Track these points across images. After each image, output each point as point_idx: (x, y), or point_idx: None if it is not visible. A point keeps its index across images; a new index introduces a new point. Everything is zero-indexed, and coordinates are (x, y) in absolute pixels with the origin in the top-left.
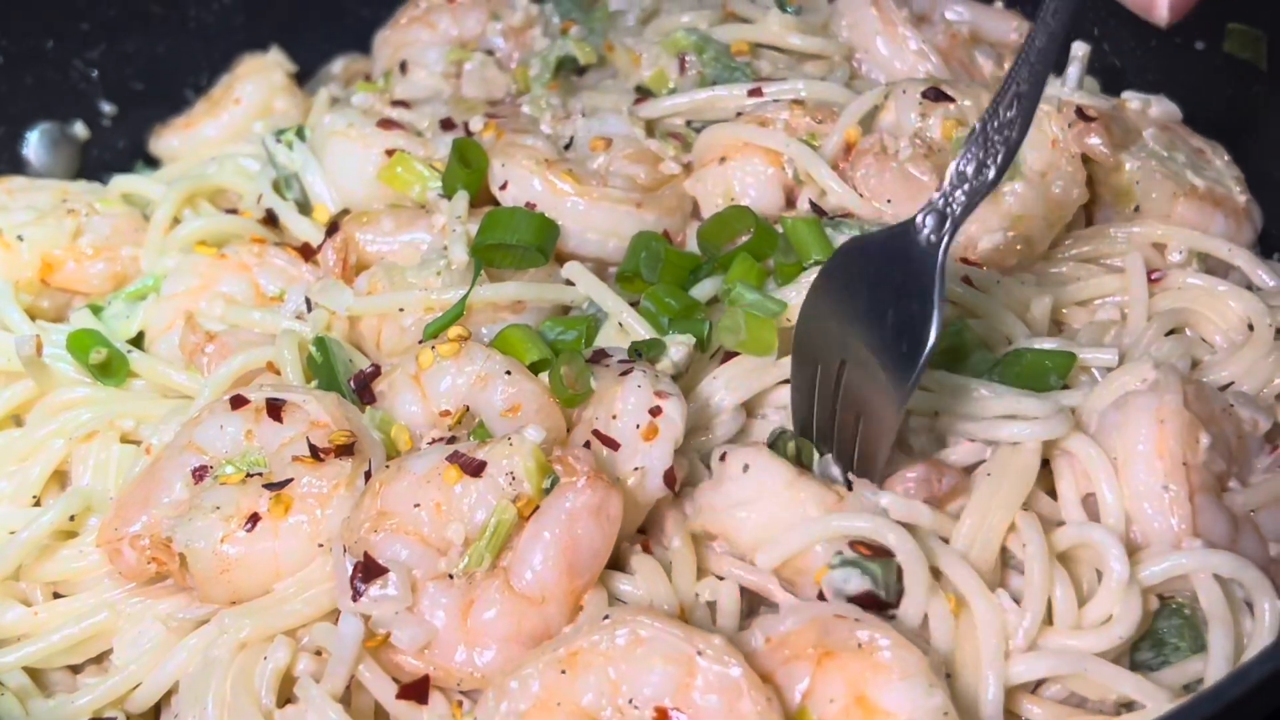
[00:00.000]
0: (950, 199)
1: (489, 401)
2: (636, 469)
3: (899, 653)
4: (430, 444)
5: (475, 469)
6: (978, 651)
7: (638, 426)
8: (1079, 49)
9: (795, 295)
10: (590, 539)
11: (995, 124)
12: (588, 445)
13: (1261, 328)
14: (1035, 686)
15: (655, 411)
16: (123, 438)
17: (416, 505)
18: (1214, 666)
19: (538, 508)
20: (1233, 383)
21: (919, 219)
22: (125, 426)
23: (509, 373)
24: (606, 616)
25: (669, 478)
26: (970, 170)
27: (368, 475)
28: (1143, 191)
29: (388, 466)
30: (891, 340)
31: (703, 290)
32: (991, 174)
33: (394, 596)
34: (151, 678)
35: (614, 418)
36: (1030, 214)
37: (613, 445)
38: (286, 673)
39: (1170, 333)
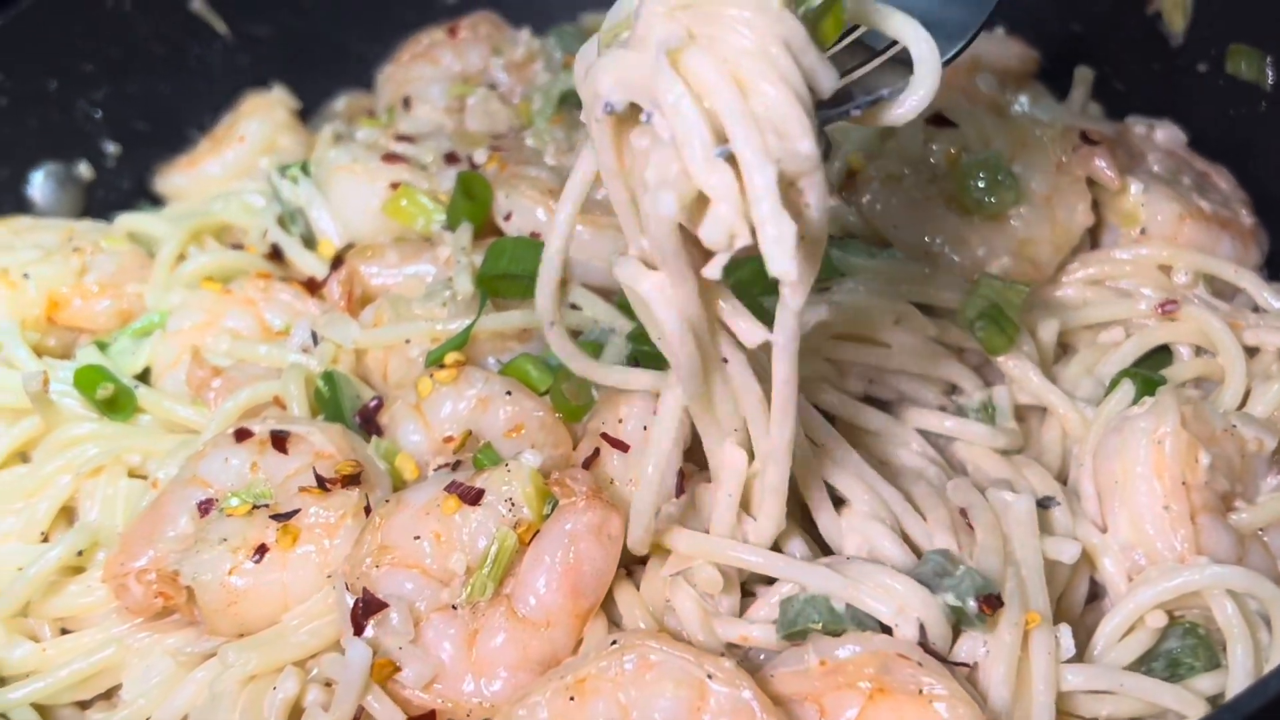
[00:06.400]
0: None
1: (491, 424)
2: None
3: (956, 707)
4: (436, 470)
5: (474, 497)
6: (1029, 669)
7: (645, 428)
8: (1083, 74)
9: None
10: (592, 559)
11: None
12: (597, 453)
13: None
14: None
15: None
16: (130, 472)
17: (417, 537)
18: (1235, 682)
19: (538, 532)
20: (1242, 405)
21: None
22: (132, 461)
23: (509, 393)
24: (614, 641)
25: (680, 478)
26: None
27: (368, 510)
28: (1148, 214)
29: (387, 501)
30: None
31: None
32: None
33: (396, 631)
34: (160, 712)
35: (620, 421)
36: (1036, 238)
37: (622, 447)
38: (295, 703)
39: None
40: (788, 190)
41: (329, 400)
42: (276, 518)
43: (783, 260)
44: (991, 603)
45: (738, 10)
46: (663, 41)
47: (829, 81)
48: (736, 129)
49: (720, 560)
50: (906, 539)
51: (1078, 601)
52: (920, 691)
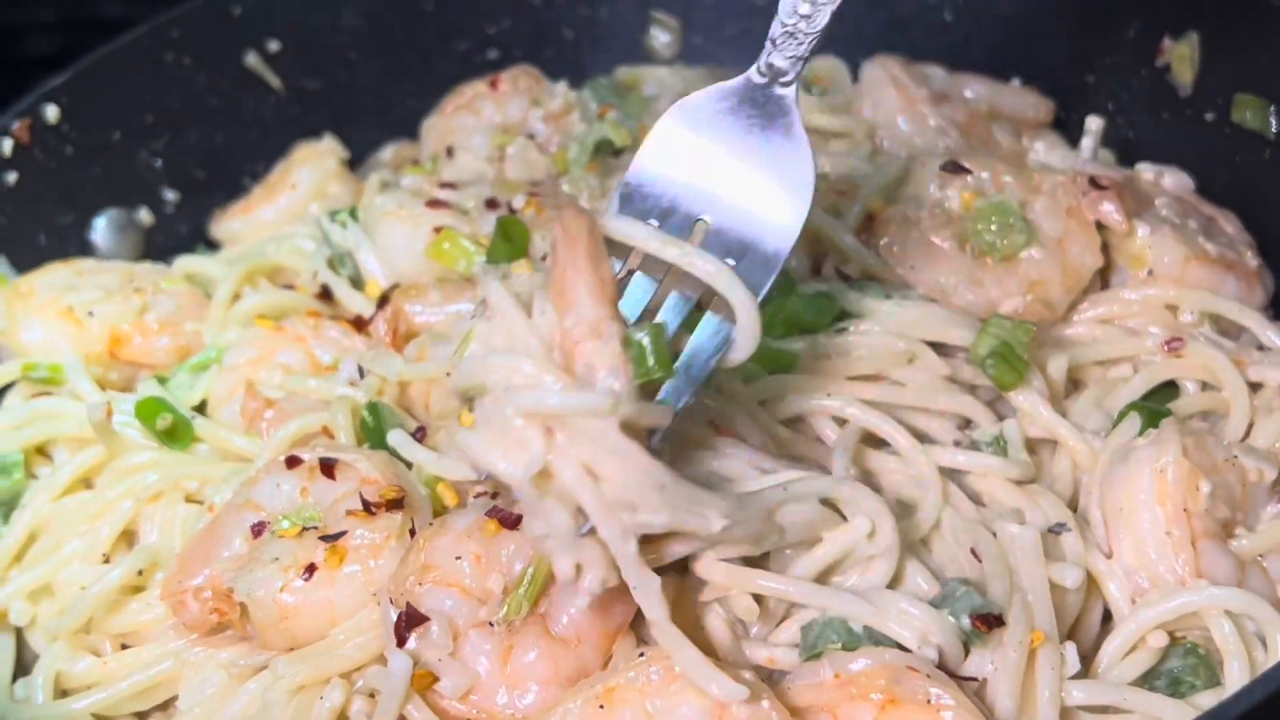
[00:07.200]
0: (778, 47)
1: None
2: None
3: (963, 716)
4: (475, 498)
5: (513, 522)
6: (1034, 683)
7: None
8: (1093, 123)
9: (801, 345)
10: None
11: None
12: None
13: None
14: None
15: None
16: (187, 498)
17: (458, 558)
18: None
19: None
20: (1245, 437)
21: (759, 70)
22: (190, 488)
23: None
24: (641, 653)
25: None
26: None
27: (413, 532)
28: (1155, 256)
29: (431, 524)
30: (766, 182)
31: None
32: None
33: (436, 644)
34: None
35: None
36: (1047, 279)
37: None
38: (341, 712)
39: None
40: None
41: (373, 430)
42: (325, 539)
43: (652, 609)
44: (988, 621)
45: (586, 419)
46: (529, 466)
47: (666, 421)
48: (597, 519)
49: (754, 590)
50: None
51: (1093, 624)
52: (929, 701)
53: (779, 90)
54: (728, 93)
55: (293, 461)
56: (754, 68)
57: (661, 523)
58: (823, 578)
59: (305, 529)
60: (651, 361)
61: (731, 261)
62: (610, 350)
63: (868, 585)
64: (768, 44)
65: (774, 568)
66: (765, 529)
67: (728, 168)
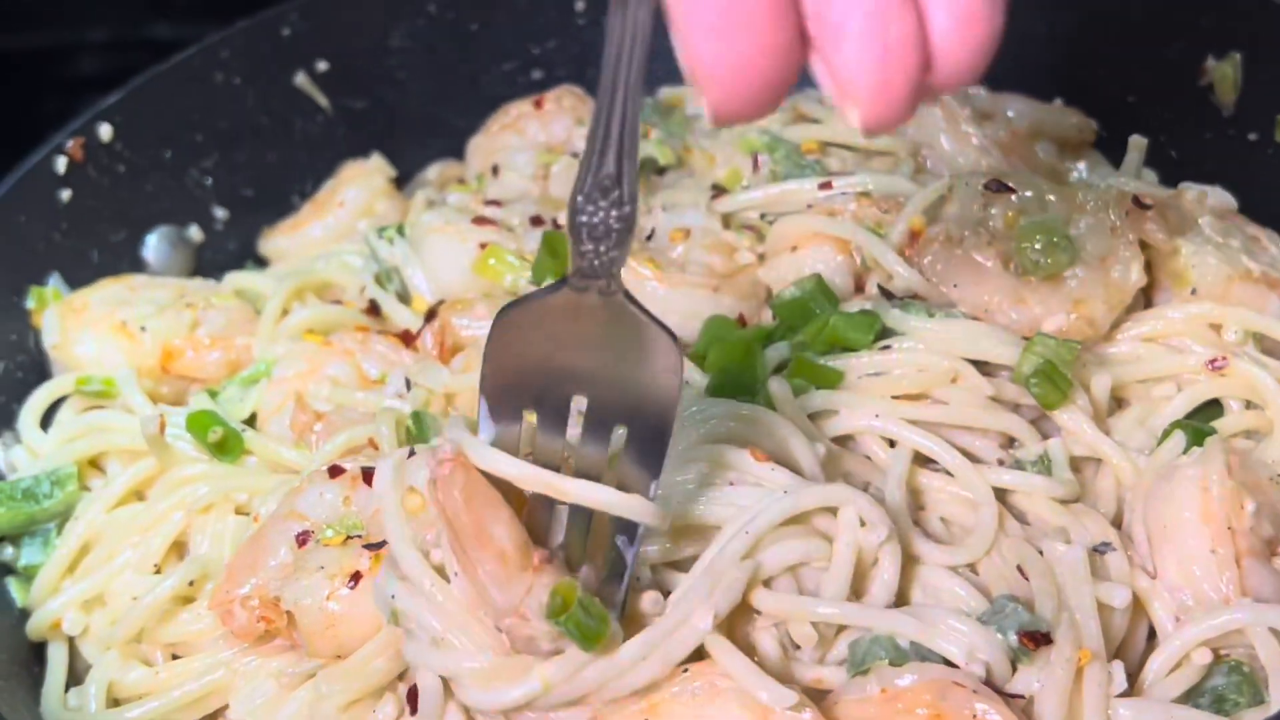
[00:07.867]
0: (598, 255)
1: None
2: None
3: None
4: None
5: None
6: (1081, 701)
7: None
8: (1137, 142)
9: (847, 363)
10: None
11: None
12: None
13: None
14: None
15: None
16: (237, 510)
17: None
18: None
19: None
20: None
21: (572, 284)
22: (240, 499)
23: None
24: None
25: None
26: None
27: None
28: (1199, 275)
29: None
30: (626, 357)
31: (774, 354)
32: (621, 214)
33: None
34: None
35: None
36: (1091, 297)
37: None
38: None
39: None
40: None
41: (418, 439)
42: (369, 547)
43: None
44: (1035, 638)
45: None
46: None
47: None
48: None
49: (807, 618)
50: None
51: (1138, 641)
52: (975, 717)
53: (609, 292)
54: (554, 300)
55: (335, 471)
56: (569, 277)
57: (665, 672)
58: (857, 585)
59: (349, 538)
60: (581, 637)
61: (621, 431)
62: (542, 629)
63: (885, 584)
64: (571, 246)
65: (806, 589)
66: (744, 579)
67: (583, 353)
